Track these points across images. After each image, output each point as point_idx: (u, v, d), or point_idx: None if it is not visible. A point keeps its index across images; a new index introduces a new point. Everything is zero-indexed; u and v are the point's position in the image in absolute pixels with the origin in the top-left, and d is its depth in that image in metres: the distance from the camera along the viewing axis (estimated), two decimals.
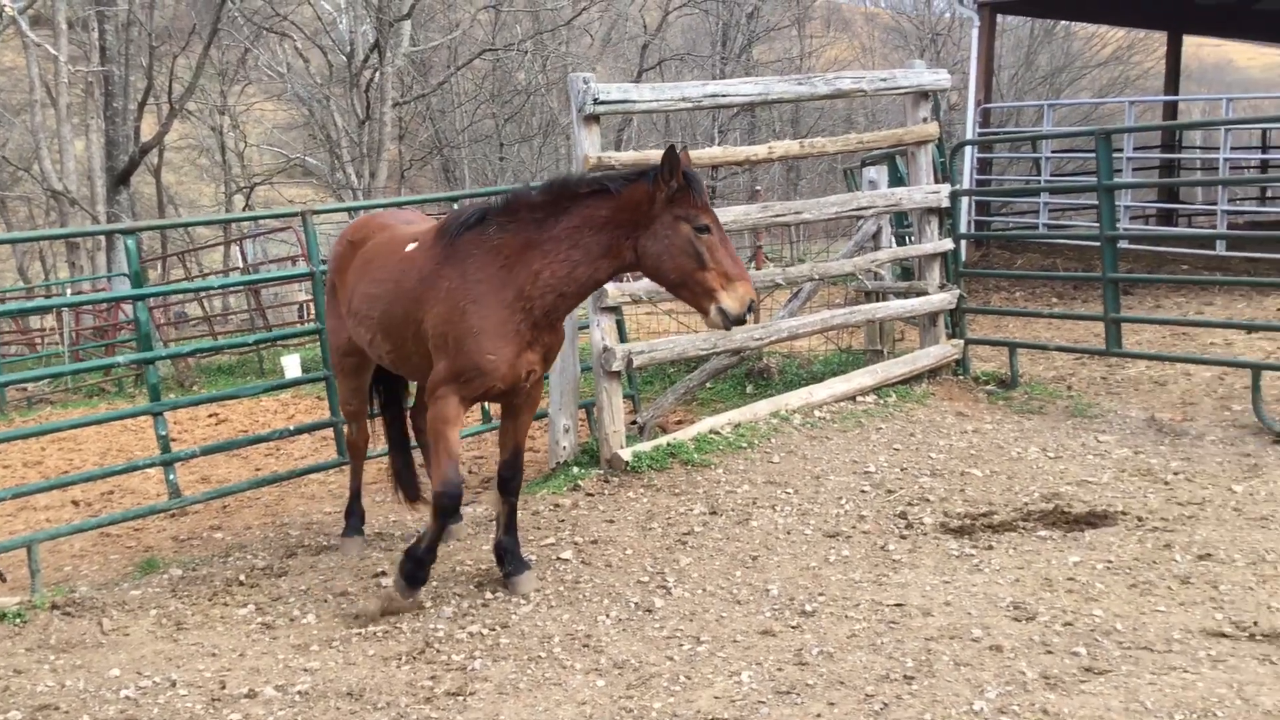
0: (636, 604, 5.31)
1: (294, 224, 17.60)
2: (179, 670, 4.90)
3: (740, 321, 5.18)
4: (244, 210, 30.64)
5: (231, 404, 12.78)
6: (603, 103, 7.13)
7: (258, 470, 9.40)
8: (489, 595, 5.53)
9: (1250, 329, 10.58)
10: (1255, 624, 4.65)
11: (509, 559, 5.68)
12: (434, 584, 5.72)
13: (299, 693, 4.61)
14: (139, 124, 24.20)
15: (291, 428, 8.06)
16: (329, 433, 8.62)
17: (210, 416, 12.51)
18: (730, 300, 5.08)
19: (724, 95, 7.72)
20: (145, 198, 33.03)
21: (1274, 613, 4.78)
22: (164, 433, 7.11)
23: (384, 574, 5.93)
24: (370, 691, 4.57)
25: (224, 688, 4.70)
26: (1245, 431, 7.72)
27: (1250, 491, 6.40)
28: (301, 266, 12.49)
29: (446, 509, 5.40)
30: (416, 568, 5.46)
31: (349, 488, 6.85)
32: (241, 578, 6.06)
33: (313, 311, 13.01)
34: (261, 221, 26.16)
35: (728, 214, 8.10)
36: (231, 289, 23.15)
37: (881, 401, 8.65)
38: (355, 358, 6.33)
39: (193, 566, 6.42)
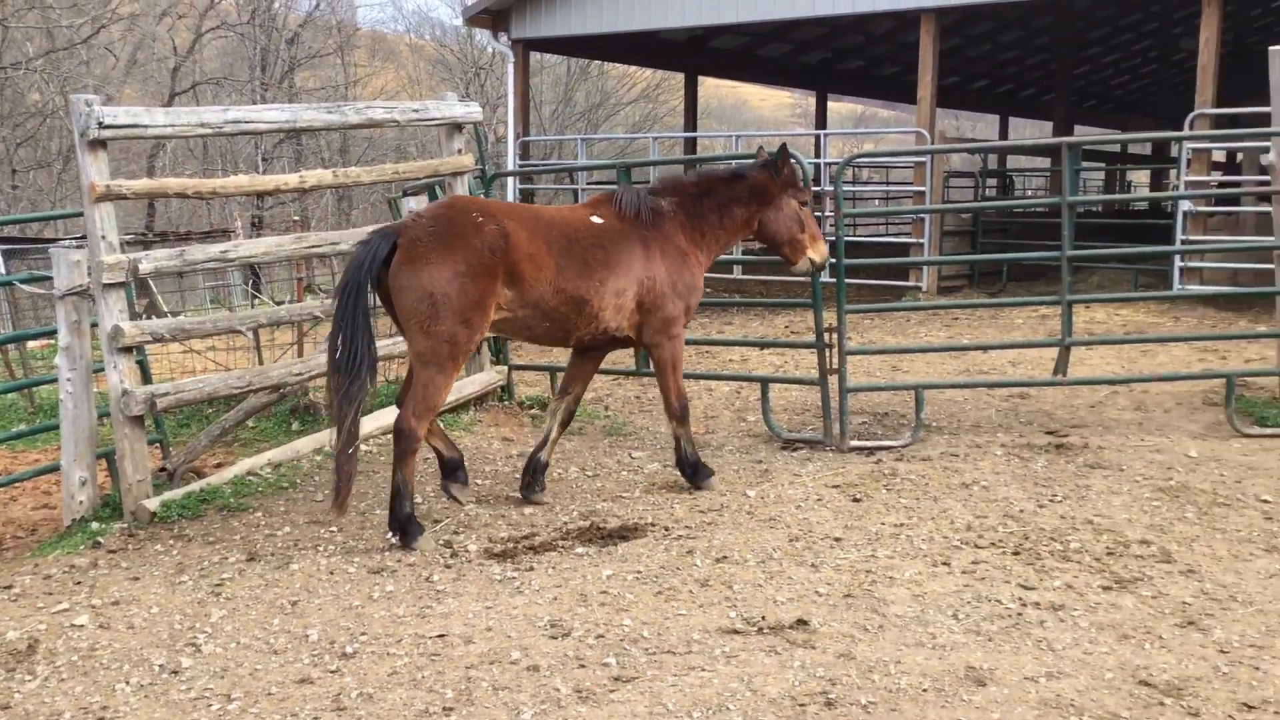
0: (162, 666, 4.92)
1: None
2: None
3: (820, 269, 7.49)
4: None
5: None
6: (109, 127, 6.61)
7: None
8: None
9: (762, 345, 11.66)
10: (763, 618, 5.07)
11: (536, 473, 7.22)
12: None
13: None
14: None
15: None
16: None
17: None
18: (816, 254, 7.33)
19: (248, 122, 7.39)
20: None
21: (779, 606, 5.24)
22: None
23: None
24: None
25: None
26: (758, 440, 8.46)
27: (762, 495, 7.01)
28: None
29: (688, 417, 7.22)
30: (698, 467, 7.21)
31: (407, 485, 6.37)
32: None
33: None
34: None
35: (259, 245, 7.81)
36: None
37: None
38: (472, 343, 6.40)
39: None
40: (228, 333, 8.39)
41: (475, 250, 6.23)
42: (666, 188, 7.17)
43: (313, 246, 7.94)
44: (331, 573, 5.98)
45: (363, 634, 5.13)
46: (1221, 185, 17.19)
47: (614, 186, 8.00)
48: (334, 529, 6.66)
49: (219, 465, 8.53)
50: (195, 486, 7.22)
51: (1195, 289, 14.03)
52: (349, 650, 4.95)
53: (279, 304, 12.31)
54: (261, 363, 10.27)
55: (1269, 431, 8.17)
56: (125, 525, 6.79)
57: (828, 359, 8.19)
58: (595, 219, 6.86)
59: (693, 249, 7.08)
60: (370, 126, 8.38)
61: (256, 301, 14.75)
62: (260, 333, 10.79)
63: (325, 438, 8.18)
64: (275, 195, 14.95)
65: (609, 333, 6.87)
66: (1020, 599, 5.28)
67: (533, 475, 7.12)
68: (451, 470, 6.91)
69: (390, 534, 6.40)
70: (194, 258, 7.23)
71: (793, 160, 7.32)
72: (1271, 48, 8.31)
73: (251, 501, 7.15)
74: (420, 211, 6.67)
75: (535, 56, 25.15)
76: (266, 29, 34.28)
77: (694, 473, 7.19)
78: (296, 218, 20.12)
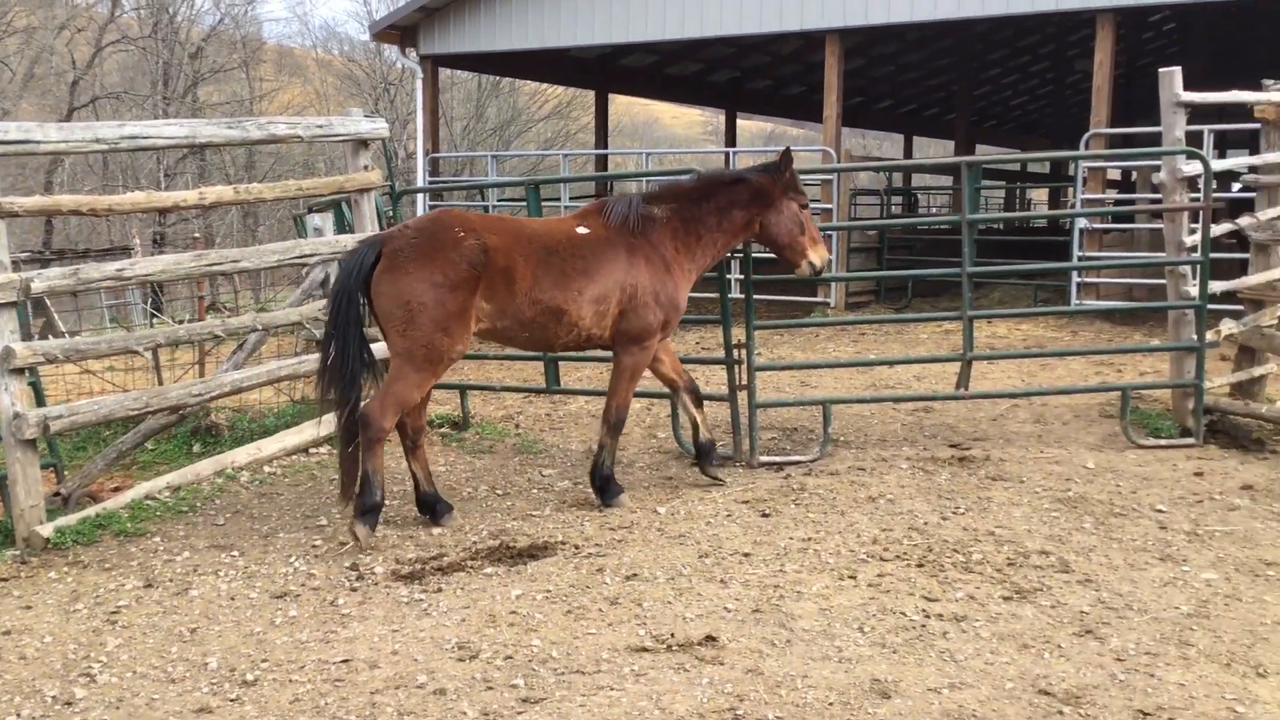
0: (54, 697, 4.76)
1: None
2: None
3: (820, 273, 7.48)
4: None
5: None
6: (0, 143, 6.42)
7: None
8: None
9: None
10: (672, 635, 5.07)
11: (707, 454, 7.62)
12: None
13: None
14: None
15: None
16: None
17: None
18: (816, 257, 7.40)
19: (145, 137, 7.22)
20: None
21: (688, 622, 5.24)
22: None
23: None
24: None
25: None
26: (669, 456, 8.48)
27: (671, 511, 7.02)
28: None
29: (620, 430, 7.31)
30: (609, 483, 7.18)
31: (377, 475, 6.64)
32: None
33: None
34: None
35: (157, 263, 7.63)
36: None
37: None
38: (454, 351, 6.55)
39: None
40: (125, 353, 8.18)
41: (453, 263, 6.42)
42: (663, 193, 7.26)
43: (213, 264, 7.77)
44: (232, 598, 5.85)
45: (264, 661, 5.02)
46: (1116, 203, 17.71)
47: (523, 203, 8.00)
48: (235, 553, 6.52)
49: (116, 489, 8.29)
50: (91, 511, 7.02)
51: (1092, 304, 14.43)
52: (250, 678, 4.84)
53: (179, 323, 12.05)
54: (161, 383, 10.04)
55: (1163, 443, 8.41)
56: (17, 552, 6.57)
57: (737, 375, 8.24)
58: (580, 229, 6.97)
59: (681, 259, 7.14)
60: (273, 142, 8.25)
61: (156, 321, 14.42)
62: (160, 353, 10.54)
63: (228, 459, 8.02)
64: (176, 212, 14.62)
65: (593, 340, 7.05)
66: (924, 611, 5.36)
67: (704, 455, 7.62)
68: (429, 505, 7.04)
69: (353, 525, 6.54)
70: (89, 276, 7.03)
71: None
72: (1162, 69, 8.58)
73: (149, 526, 6.97)
74: (408, 222, 7.00)
75: (446, 72, 25.01)
76: (169, 43, 33.63)
77: (604, 486, 7.21)
78: (197, 235, 19.70)
